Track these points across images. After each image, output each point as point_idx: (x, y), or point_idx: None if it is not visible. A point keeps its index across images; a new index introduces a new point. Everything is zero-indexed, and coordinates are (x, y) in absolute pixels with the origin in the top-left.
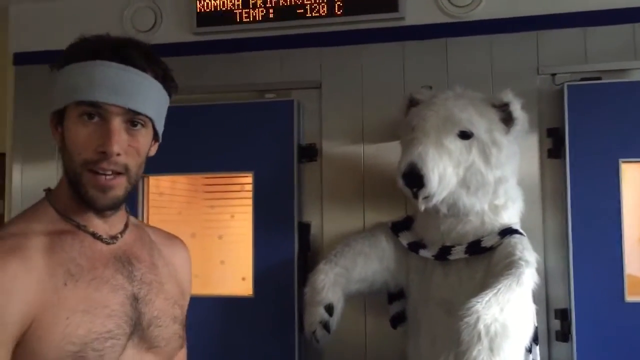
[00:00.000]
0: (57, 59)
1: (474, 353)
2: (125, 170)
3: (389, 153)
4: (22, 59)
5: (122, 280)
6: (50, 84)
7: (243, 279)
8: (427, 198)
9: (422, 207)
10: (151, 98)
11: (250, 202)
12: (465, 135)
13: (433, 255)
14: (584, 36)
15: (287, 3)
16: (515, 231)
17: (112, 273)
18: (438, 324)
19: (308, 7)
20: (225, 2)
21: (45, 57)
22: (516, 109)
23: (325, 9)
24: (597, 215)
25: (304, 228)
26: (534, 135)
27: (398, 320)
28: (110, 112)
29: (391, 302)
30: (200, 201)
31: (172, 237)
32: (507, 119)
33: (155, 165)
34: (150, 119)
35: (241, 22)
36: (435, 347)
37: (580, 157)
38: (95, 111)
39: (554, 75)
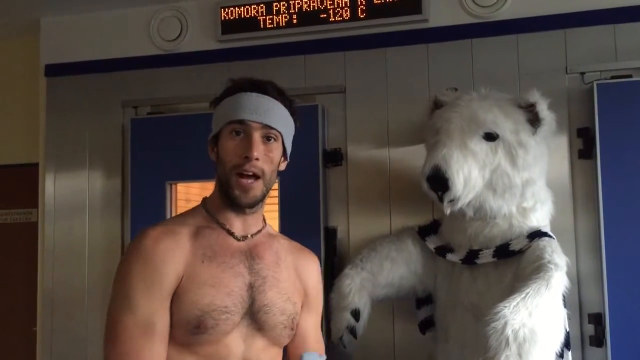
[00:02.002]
0: (213, 100)
1: (502, 359)
2: (262, 174)
3: (415, 156)
4: (53, 70)
5: (243, 270)
6: (81, 94)
7: None
8: (452, 201)
9: (448, 211)
10: (281, 118)
11: (276, 207)
12: (490, 136)
13: (460, 259)
14: (614, 33)
15: (310, 8)
16: (545, 234)
17: (236, 262)
18: (467, 329)
19: (331, 11)
20: (249, 9)
21: (76, 68)
22: (543, 109)
23: (348, 13)
24: (630, 216)
25: (330, 233)
26: (563, 136)
27: (427, 325)
28: (251, 127)
29: (419, 307)
30: None
31: (302, 249)
32: (534, 120)
33: (182, 172)
34: (280, 134)
35: (265, 28)
36: (464, 353)
37: (612, 157)
38: (241, 128)
39: (583, 74)
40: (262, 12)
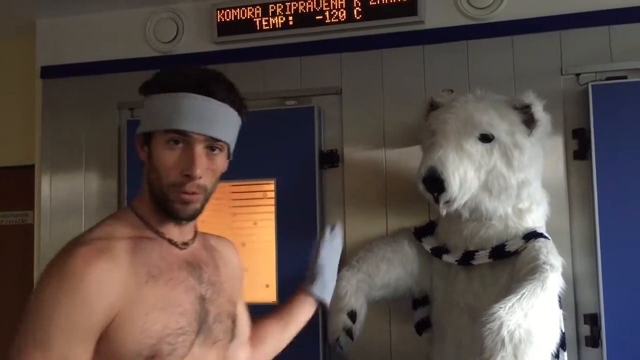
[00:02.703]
0: (144, 85)
1: None
2: (203, 191)
3: (411, 158)
4: (49, 72)
5: (193, 282)
6: (77, 95)
7: (267, 286)
8: (448, 202)
9: (444, 212)
10: (229, 125)
11: (272, 209)
12: (486, 138)
13: (456, 261)
14: (609, 34)
15: (306, 10)
16: (540, 235)
17: (185, 275)
18: (463, 330)
19: (327, 13)
20: (245, 11)
21: (72, 70)
22: (538, 110)
23: (344, 14)
24: (625, 216)
25: None
26: (559, 137)
27: (423, 326)
28: (194, 139)
29: (416, 308)
30: (226, 209)
31: (223, 239)
32: (529, 121)
33: None
34: (227, 144)
35: (261, 30)
36: (461, 354)
37: (607, 158)
38: (181, 138)
39: (578, 75)
40: (258, 13)
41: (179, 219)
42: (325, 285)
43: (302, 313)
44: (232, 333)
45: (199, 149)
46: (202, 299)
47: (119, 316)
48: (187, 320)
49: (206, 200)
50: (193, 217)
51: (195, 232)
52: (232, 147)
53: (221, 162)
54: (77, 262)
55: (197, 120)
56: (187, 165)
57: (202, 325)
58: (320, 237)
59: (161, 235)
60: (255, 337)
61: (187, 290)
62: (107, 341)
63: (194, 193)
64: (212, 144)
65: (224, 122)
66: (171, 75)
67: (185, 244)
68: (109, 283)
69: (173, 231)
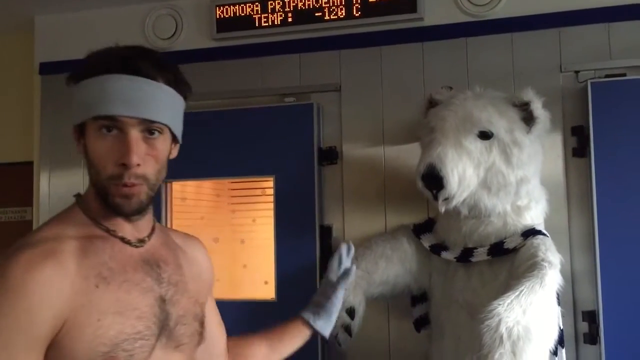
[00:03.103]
0: (70, 75)
1: (496, 357)
2: (144, 180)
3: (410, 155)
4: (47, 68)
5: (150, 283)
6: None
7: (266, 282)
8: (447, 199)
9: (443, 209)
10: (165, 105)
11: (271, 206)
12: (485, 135)
13: (455, 257)
14: (608, 32)
15: (305, 7)
16: (539, 232)
17: (141, 276)
18: (461, 326)
19: (326, 10)
20: (244, 7)
21: (71, 66)
22: (537, 107)
23: (343, 11)
24: (624, 214)
25: (326, 231)
26: (558, 134)
27: (422, 323)
28: (126, 124)
29: (414, 305)
30: (225, 206)
31: (191, 237)
32: (528, 118)
33: (178, 171)
34: (167, 126)
35: (260, 26)
36: (459, 351)
37: (606, 155)
38: (113, 124)
39: (577, 72)
40: (257, 10)
41: (124, 214)
42: (329, 320)
43: (294, 343)
44: (200, 336)
45: (134, 134)
46: (162, 301)
47: (67, 324)
48: (144, 325)
49: (152, 191)
50: (139, 211)
51: (153, 228)
52: (178, 130)
53: (163, 146)
54: (19, 268)
55: (125, 102)
56: (122, 154)
57: (162, 328)
58: (335, 258)
59: (112, 233)
60: (238, 355)
61: (144, 292)
62: (57, 350)
63: (133, 185)
64: (149, 127)
65: (157, 102)
66: (94, 57)
67: (142, 241)
68: (54, 290)
69: (125, 228)
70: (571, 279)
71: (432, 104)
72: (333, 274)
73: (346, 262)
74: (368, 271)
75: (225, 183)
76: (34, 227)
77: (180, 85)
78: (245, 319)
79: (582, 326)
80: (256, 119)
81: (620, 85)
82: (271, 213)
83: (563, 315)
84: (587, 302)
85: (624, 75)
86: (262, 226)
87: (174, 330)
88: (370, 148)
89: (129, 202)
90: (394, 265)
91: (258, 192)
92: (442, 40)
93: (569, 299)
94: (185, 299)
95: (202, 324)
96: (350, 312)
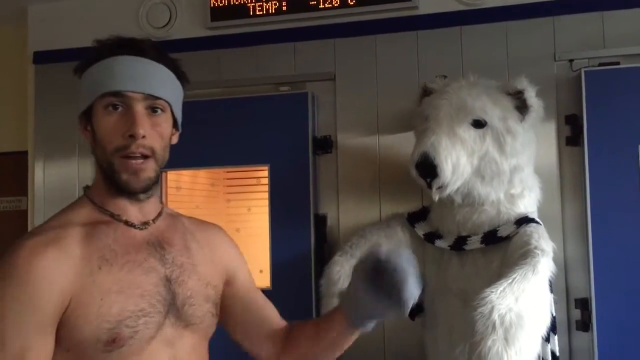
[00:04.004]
0: (78, 65)
1: (489, 343)
2: (152, 153)
3: (404, 144)
4: (41, 57)
5: (154, 263)
6: (70, 81)
7: (260, 271)
8: (440, 188)
9: (436, 197)
10: (167, 85)
11: (266, 195)
12: (478, 124)
13: (449, 246)
14: (602, 20)
15: None
16: (532, 220)
17: (144, 257)
18: (455, 314)
19: None
20: None
21: (65, 55)
22: (531, 96)
23: (337, 0)
24: (616, 202)
25: (320, 220)
26: (551, 123)
27: (416, 311)
28: (132, 99)
29: None
30: (220, 195)
31: (206, 223)
32: (522, 107)
33: (173, 160)
34: (169, 104)
35: (254, 15)
36: (453, 338)
37: (599, 144)
38: (119, 100)
39: (571, 61)
40: None
41: (132, 191)
42: (369, 316)
43: (345, 344)
44: (214, 317)
45: (139, 109)
46: (168, 280)
47: (73, 304)
48: (148, 302)
49: (159, 167)
50: (146, 187)
51: (160, 212)
52: (179, 115)
53: (166, 124)
54: (23, 254)
55: (131, 79)
56: (129, 126)
57: (169, 307)
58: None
59: (117, 218)
60: (287, 337)
61: (147, 272)
62: (66, 330)
63: (141, 157)
64: (153, 104)
65: (160, 80)
66: (100, 45)
67: (146, 223)
68: (57, 273)
69: (130, 212)
70: (564, 266)
71: (426, 92)
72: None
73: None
74: None
75: (220, 172)
76: (29, 216)
77: (179, 73)
78: None
79: (574, 313)
80: (251, 108)
81: (614, 73)
82: (266, 202)
83: (556, 303)
84: (579, 290)
85: (618, 63)
86: (257, 215)
87: (182, 310)
88: (364, 137)
89: (137, 178)
90: None
91: (253, 181)
92: (436, 29)
93: (561, 287)
94: (192, 281)
95: (216, 305)
96: None
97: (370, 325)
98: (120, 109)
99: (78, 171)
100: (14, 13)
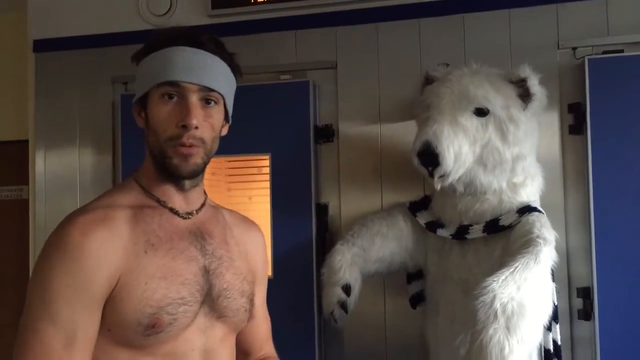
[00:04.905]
0: (135, 53)
1: (490, 332)
2: (202, 143)
3: (406, 132)
4: (41, 46)
5: (195, 252)
6: (70, 69)
7: None
8: (442, 177)
9: (438, 186)
10: (221, 77)
11: (267, 184)
12: (481, 112)
13: (451, 235)
14: (606, 8)
15: None
16: (534, 209)
17: (186, 245)
18: (456, 303)
19: None
20: None
21: (65, 43)
22: (534, 84)
23: None
24: (619, 191)
25: (322, 209)
26: (554, 111)
27: (417, 300)
28: (187, 90)
29: (410, 282)
30: (222, 184)
31: (247, 220)
32: (525, 95)
33: None
34: (222, 96)
35: (255, 3)
36: (454, 327)
37: (602, 132)
38: (175, 90)
39: (574, 49)
40: None
41: (180, 176)
42: None
43: None
44: (248, 313)
45: (194, 100)
46: (206, 271)
47: (120, 284)
48: (188, 291)
49: (208, 158)
50: (194, 173)
51: (204, 203)
52: (230, 107)
53: (218, 116)
54: (75, 231)
55: (188, 70)
56: (183, 116)
57: (205, 297)
58: None
59: (162, 204)
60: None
61: (188, 261)
62: (110, 309)
63: (192, 145)
64: (207, 96)
65: (216, 73)
66: (159, 35)
67: (190, 213)
68: (108, 251)
69: (176, 200)
70: (566, 255)
71: (428, 81)
72: None
73: None
74: (364, 248)
75: (222, 161)
76: (30, 205)
77: (234, 67)
78: None
79: (576, 302)
80: (252, 96)
81: (618, 61)
82: (267, 191)
83: (558, 292)
84: (581, 279)
85: (622, 51)
86: (258, 204)
87: (217, 301)
88: (366, 126)
89: (186, 163)
90: (390, 243)
91: (254, 170)
92: (439, 17)
93: (563, 276)
94: (230, 274)
95: (250, 301)
96: (346, 289)
97: None
98: (175, 98)
99: (79, 160)
100: (14, 1)
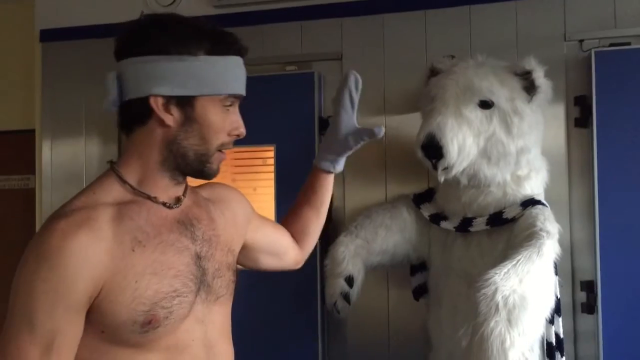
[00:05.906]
0: (186, 44)
1: (492, 325)
2: None
3: (411, 125)
4: (48, 35)
5: (186, 242)
6: (77, 59)
7: None
8: (446, 169)
9: (442, 178)
10: None
11: (272, 175)
12: (485, 104)
13: (454, 227)
14: (613, 0)
15: None
16: (538, 202)
17: (176, 236)
18: (459, 296)
19: None
20: None
21: (72, 33)
22: (539, 76)
23: None
24: (624, 185)
25: None
26: (560, 104)
27: (420, 292)
28: (238, 101)
29: (413, 274)
30: (227, 175)
31: (212, 184)
32: (530, 87)
33: None
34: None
35: None
36: (456, 319)
37: (608, 125)
38: (234, 102)
39: (581, 41)
40: None
41: (208, 178)
42: (338, 160)
43: (328, 190)
44: (234, 284)
45: (238, 110)
46: (198, 257)
47: (106, 288)
48: (181, 282)
49: None
50: None
51: (186, 187)
52: None
53: None
54: (55, 237)
55: (242, 82)
56: (236, 125)
57: (200, 284)
58: (345, 94)
59: (154, 199)
60: (298, 232)
61: (179, 252)
62: (100, 314)
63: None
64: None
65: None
66: (214, 36)
67: (178, 200)
68: (90, 256)
69: (171, 192)
70: (570, 249)
71: (433, 73)
72: (346, 114)
73: (355, 97)
74: (367, 240)
75: (227, 152)
76: (37, 195)
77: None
78: (245, 288)
79: (580, 296)
80: (257, 87)
81: (625, 54)
82: (272, 183)
83: (561, 285)
84: (585, 272)
85: (629, 44)
86: (263, 196)
87: (212, 284)
88: (371, 117)
89: (218, 168)
90: (394, 235)
91: (259, 161)
92: (445, 8)
93: (567, 269)
94: (218, 252)
95: (234, 272)
96: (349, 280)
97: (340, 165)
98: (230, 107)
99: (85, 149)
100: None
